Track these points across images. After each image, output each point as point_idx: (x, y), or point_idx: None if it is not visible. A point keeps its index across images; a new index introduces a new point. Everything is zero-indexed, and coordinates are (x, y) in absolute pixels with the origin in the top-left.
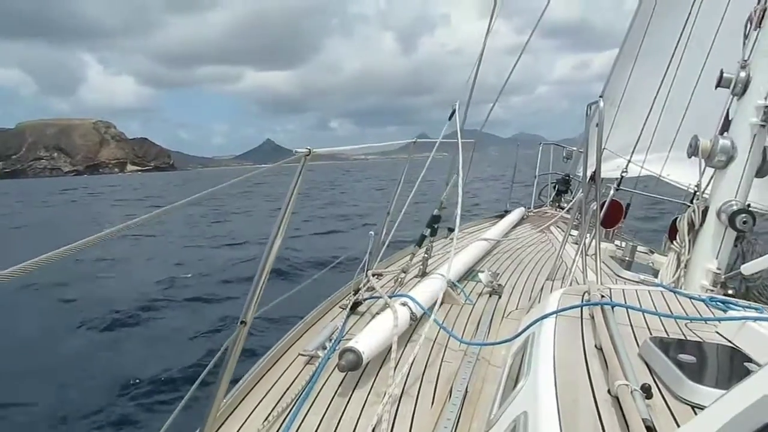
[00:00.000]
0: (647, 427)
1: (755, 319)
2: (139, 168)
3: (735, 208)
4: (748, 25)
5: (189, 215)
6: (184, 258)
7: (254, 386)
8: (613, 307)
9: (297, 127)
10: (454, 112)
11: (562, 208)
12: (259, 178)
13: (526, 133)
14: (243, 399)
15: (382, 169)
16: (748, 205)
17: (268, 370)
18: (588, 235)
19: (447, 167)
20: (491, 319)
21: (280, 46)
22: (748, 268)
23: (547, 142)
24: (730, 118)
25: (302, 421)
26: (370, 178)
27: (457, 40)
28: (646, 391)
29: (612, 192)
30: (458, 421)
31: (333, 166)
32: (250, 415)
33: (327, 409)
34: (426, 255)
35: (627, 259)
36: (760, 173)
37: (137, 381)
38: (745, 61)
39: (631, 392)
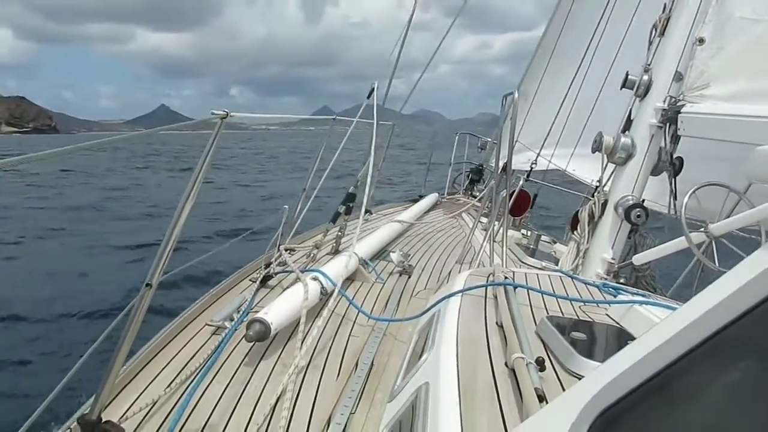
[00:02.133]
0: (538, 396)
1: (641, 302)
2: (16, 129)
3: (631, 202)
4: (653, 32)
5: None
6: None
7: (157, 353)
8: (515, 288)
9: (194, 93)
10: (372, 90)
11: (474, 197)
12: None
13: (426, 110)
14: (145, 365)
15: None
16: (643, 201)
17: (173, 338)
18: (496, 222)
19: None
20: (400, 298)
21: (175, 6)
22: (639, 259)
23: (446, 120)
24: (632, 118)
25: (205, 389)
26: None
27: (362, 13)
28: (540, 364)
29: (521, 182)
30: (362, 392)
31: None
32: (151, 382)
33: (232, 378)
34: (339, 233)
35: (531, 246)
36: (655, 171)
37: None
38: (648, 65)
39: (527, 365)
